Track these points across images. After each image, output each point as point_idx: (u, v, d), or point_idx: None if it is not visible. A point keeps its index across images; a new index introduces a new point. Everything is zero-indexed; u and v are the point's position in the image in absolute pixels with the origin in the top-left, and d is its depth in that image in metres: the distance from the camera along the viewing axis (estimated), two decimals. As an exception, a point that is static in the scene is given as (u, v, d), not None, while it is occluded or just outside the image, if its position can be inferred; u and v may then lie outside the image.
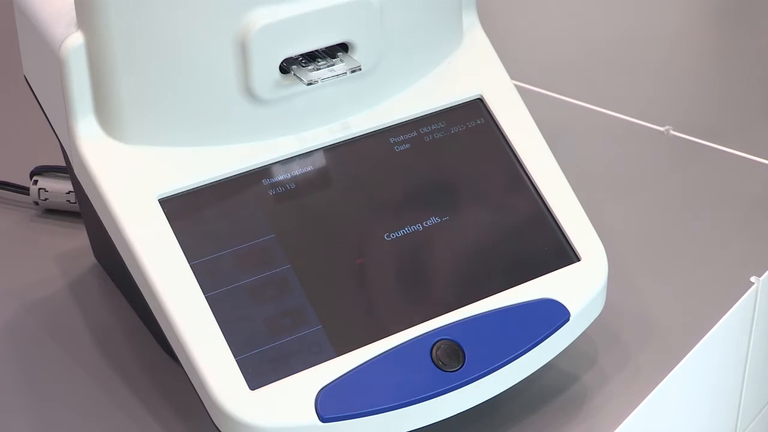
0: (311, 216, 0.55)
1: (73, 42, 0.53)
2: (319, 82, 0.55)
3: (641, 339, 0.62)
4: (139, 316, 0.63)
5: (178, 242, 0.53)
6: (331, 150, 0.57)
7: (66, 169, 0.68)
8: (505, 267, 0.56)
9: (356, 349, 0.53)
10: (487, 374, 0.53)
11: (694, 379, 0.63)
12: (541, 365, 0.55)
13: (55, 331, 0.63)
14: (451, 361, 0.53)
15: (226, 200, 0.55)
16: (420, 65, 0.60)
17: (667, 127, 0.81)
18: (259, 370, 0.51)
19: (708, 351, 0.63)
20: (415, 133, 0.59)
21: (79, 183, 0.56)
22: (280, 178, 0.56)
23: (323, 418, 0.51)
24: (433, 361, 0.53)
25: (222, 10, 0.53)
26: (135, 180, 0.54)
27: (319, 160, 0.57)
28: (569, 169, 0.60)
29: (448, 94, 0.60)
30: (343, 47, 0.56)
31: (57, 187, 0.72)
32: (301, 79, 0.55)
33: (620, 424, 0.57)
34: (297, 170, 0.56)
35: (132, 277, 0.54)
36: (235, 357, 0.51)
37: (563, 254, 0.57)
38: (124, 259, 0.54)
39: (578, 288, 0.57)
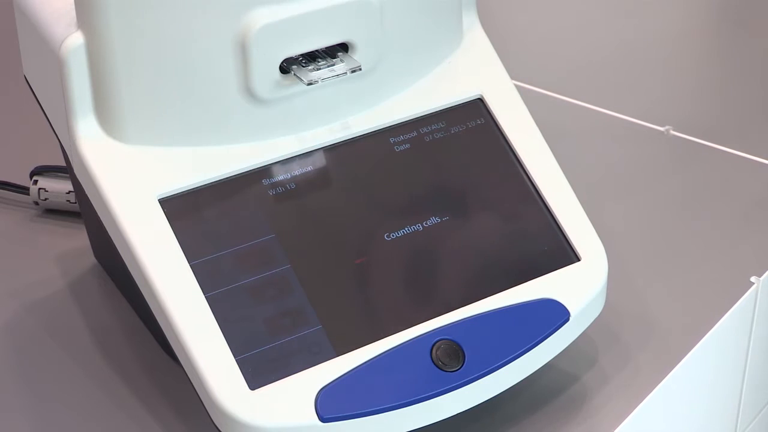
0: (311, 216, 0.55)
1: (73, 42, 0.53)
2: (319, 82, 0.55)
3: (641, 339, 0.62)
4: (139, 316, 0.63)
5: (178, 242, 0.53)
6: (331, 150, 0.57)
7: (66, 169, 0.68)
8: (505, 267, 0.56)
9: (356, 349, 0.53)
10: (487, 374, 0.53)
11: (694, 379, 0.63)
12: (541, 365, 0.55)
13: (55, 331, 0.63)
14: (451, 361, 0.53)
15: (226, 200, 0.55)
16: (420, 65, 0.60)
17: (667, 127, 0.81)
18: (259, 370, 0.51)
19: (708, 351, 0.63)
20: (415, 133, 0.59)
21: (79, 183, 0.56)
22: (280, 178, 0.56)
23: (323, 418, 0.51)
24: (433, 361, 0.53)
25: (222, 10, 0.53)
26: (135, 180, 0.54)
27: (319, 160, 0.57)
28: (569, 169, 0.60)
29: (448, 94, 0.60)
30: (343, 47, 0.56)
31: (57, 187, 0.72)
32: (301, 79, 0.55)
33: (620, 424, 0.57)
34: (297, 170, 0.56)
35: (132, 277, 0.54)
36: (235, 357, 0.51)
37: (563, 254, 0.57)
38: (124, 259, 0.54)
39: (578, 288, 0.57)
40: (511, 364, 0.54)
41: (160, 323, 0.53)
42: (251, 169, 0.56)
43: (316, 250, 0.55)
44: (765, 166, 0.76)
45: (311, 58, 0.56)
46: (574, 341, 0.57)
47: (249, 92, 0.55)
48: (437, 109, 0.59)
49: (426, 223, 0.56)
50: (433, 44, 0.60)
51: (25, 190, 0.73)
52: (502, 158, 0.59)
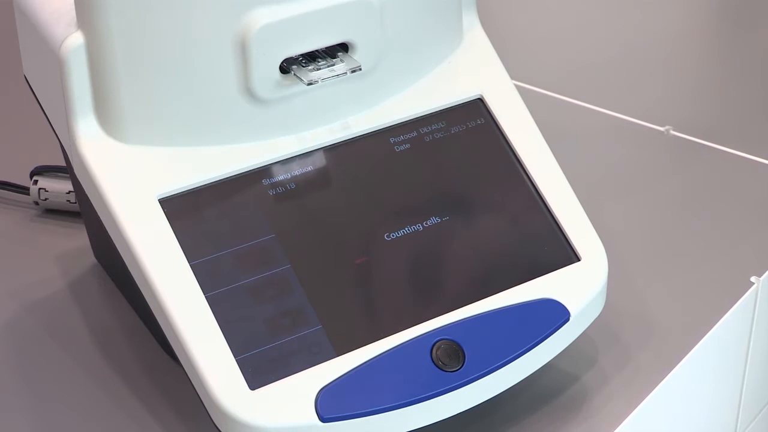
0: (311, 216, 0.55)
1: (73, 42, 0.53)
2: (319, 82, 0.55)
3: (641, 339, 0.62)
4: (139, 316, 0.63)
5: (178, 242, 0.53)
6: (331, 150, 0.57)
7: (66, 169, 0.68)
8: (505, 267, 0.56)
9: (356, 349, 0.53)
10: (487, 374, 0.53)
11: (694, 379, 0.63)
12: (541, 365, 0.55)
13: (55, 331, 0.63)
14: (451, 361, 0.53)
15: (226, 200, 0.55)
16: (420, 65, 0.60)
17: (667, 127, 0.81)
18: (259, 370, 0.51)
19: (708, 351, 0.63)
20: (415, 133, 0.59)
21: (79, 183, 0.56)
22: (280, 178, 0.56)
23: (323, 418, 0.51)
24: (433, 361, 0.53)
25: (222, 10, 0.53)
26: (135, 180, 0.54)
27: (319, 160, 0.57)
28: (569, 169, 0.60)
29: (448, 94, 0.60)
30: (343, 47, 0.56)
31: (57, 187, 0.72)
32: (301, 79, 0.55)
33: (620, 424, 0.57)
34: (297, 170, 0.56)
35: (132, 277, 0.54)
36: (235, 357, 0.51)
37: (563, 254, 0.57)
38: (124, 259, 0.54)
39: (578, 288, 0.57)
40: (511, 364, 0.54)
41: (160, 323, 0.53)
42: (251, 169, 0.56)
43: (316, 250, 0.55)
44: (765, 166, 0.76)
45: (311, 58, 0.56)
46: (574, 341, 0.57)
47: (249, 92, 0.55)
48: (437, 109, 0.59)
49: (426, 223, 0.56)
50: (433, 44, 0.60)
51: (25, 190, 0.73)
52: (502, 158, 0.59)
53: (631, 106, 0.83)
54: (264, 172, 0.56)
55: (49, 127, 0.59)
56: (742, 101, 0.85)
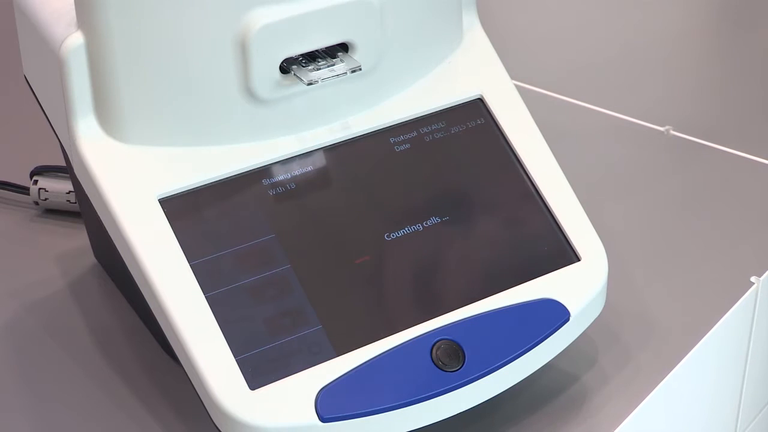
0: (311, 216, 0.55)
1: (73, 42, 0.53)
2: (320, 82, 0.55)
3: (641, 339, 0.62)
4: (139, 316, 0.63)
5: (178, 242, 0.53)
6: (331, 150, 0.57)
7: (66, 169, 0.68)
8: (505, 267, 0.56)
9: (356, 349, 0.53)
10: (487, 374, 0.53)
11: (694, 379, 0.63)
12: (541, 365, 0.55)
13: (55, 331, 0.63)
14: (451, 361, 0.53)
15: (226, 200, 0.55)
16: (420, 65, 0.60)
17: (667, 127, 0.81)
18: (259, 370, 0.51)
19: (708, 351, 0.63)
20: (415, 133, 0.59)
21: (79, 183, 0.56)
22: (280, 178, 0.56)
23: (323, 418, 0.51)
24: (433, 361, 0.53)
25: (222, 10, 0.53)
26: (135, 180, 0.54)
27: (319, 160, 0.57)
28: (569, 169, 0.60)
29: (448, 94, 0.60)
30: (343, 47, 0.56)
31: (57, 187, 0.72)
32: (302, 79, 0.55)
33: (620, 424, 0.57)
34: (297, 170, 0.56)
35: (132, 277, 0.54)
36: (235, 357, 0.51)
37: (563, 254, 0.57)
38: (124, 259, 0.54)
39: (578, 288, 0.57)
40: (511, 364, 0.54)
41: (160, 323, 0.53)
42: (251, 169, 0.56)
43: (316, 250, 0.55)
44: (765, 166, 0.76)
45: (311, 58, 0.56)
46: (574, 341, 0.57)
47: (249, 92, 0.55)
48: (437, 109, 0.59)
49: (426, 223, 0.56)
50: (433, 44, 0.60)
51: (25, 190, 0.73)
52: (502, 158, 0.59)
53: (631, 106, 0.83)
54: (264, 172, 0.56)
55: (49, 127, 0.59)
56: (742, 101, 0.85)
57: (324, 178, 0.57)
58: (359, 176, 0.57)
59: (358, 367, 0.52)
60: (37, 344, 0.63)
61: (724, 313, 0.64)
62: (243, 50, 0.54)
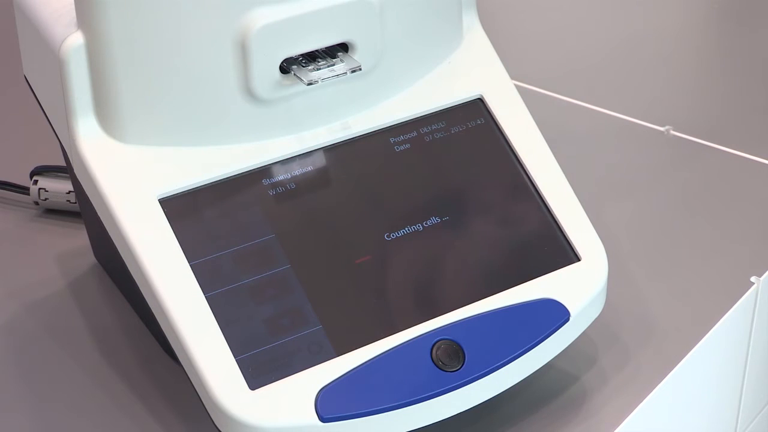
0: (311, 216, 0.55)
1: (73, 42, 0.53)
2: (319, 82, 0.55)
3: (641, 339, 0.62)
4: (139, 316, 0.63)
5: (178, 242, 0.53)
6: (331, 150, 0.57)
7: (66, 169, 0.68)
8: (505, 267, 0.56)
9: (356, 349, 0.53)
10: (487, 374, 0.53)
11: (694, 379, 0.63)
12: (541, 365, 0.55)
13: (55, 331, 0.63)
14: (451, 361, 0.53)
15: (226, 200, 0.55)
16: (420, 65, 0.60)
17: (667, 127, 0.81)
18: (259, 370, 0.51)
19: (708, 351, 0.63)
20: (415, 133, 0.59)
21: (79, 183, 0.56)
22: (280, 178, 0.56)
23: (323, 418, 0.51)
24: (433, 361, 0.53)
25: (222, 11, 0.53)
26: (135, 180, 0.54)
27: (319, 160, 0.57)
28: (569, 169, 0.60)
29: (448, 94, 0.60)
30: (343, 47, 0.56)
31: (57, 187, 0.72)
32: (301, 79, 0.55)
33: (620, 424, 0.57)
34: (297, 170, 0.56)
35: (132, 277, 0.54)
36: (235, 357, 0.51)
37: (563, 254, 0.57)
38: (124, 259, 0.54)
39: (578, 288, 0.57)
40: (511, 364, 0.54)
41: (160, 323, 0.53)
42: (251, 169, 0.56)
43: (316, 250, 0.55)
44: (765, 166, 0.76)
45: (311, 58, 0.56)
46: (574, 341, 0.57)
47: (249, 92, 0.55)
48: (437, 109, 0.59)
49: (426, 223, 0.56)
50: (433, 44, 0.60)
51: (25, 190, 0.73)
52: (502, 158, 0.59)
53: (631, 106, 0.83)
54: (264, 172, 0.56)
55: (49, 127, 0.59)
56: (742, 101, 0.85)
57: (324, 178, 0.57)
58: (359, 176, 0.57)
59: (358, 367, 0.52)
60: (37, 344, 0.63)
61: (724, 313, 0.64)
62: (243, 50, 0.54)
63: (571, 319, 0.56)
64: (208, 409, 0.52)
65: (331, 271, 0.54)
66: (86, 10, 0.53)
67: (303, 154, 0.57)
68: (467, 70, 0.61)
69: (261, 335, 0.52)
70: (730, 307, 0.64)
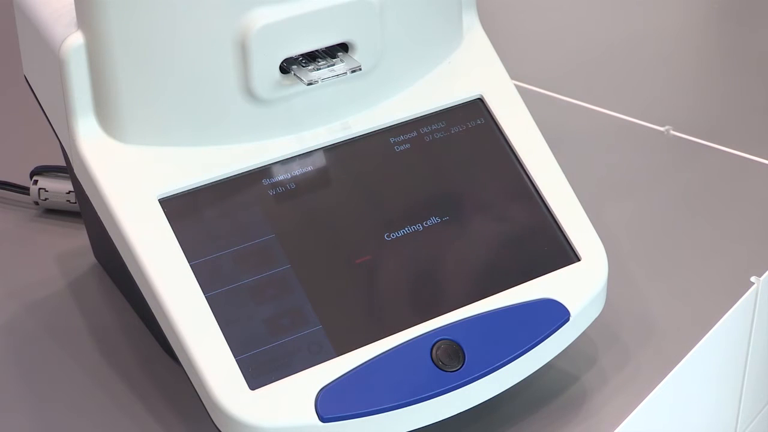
0: (311, 216, 0.55)
1: (73, 42, 0.53)
2: (319, 82, 0.55)
3: (641, 339, 0.62)
4: (139, 316, 0.63)
5: (178, 242, 0.53)
6: (331, 150, 0.57)
7: (66, 169, 0.68)
8: (505, 267, 0.56)
9: (356, 349, 0.53)
10: (487, 374, 0.53)
11: (694, 379, 0.63)
12: (541, 365, 0.55)
13: (55, 331, 0.63)
14: (451, 361, 0.53)
15: (226, 200, 0.55)
16: (420, 65, 0.60)
17: (667, 127, 0.81)
18: (259, 370, 0.51)
19: (708, 351, 0.63)
20: (415, 133, 0.59)
21: (79, 183, 0.56)
22: (280, 178, 0.56)
23: (323, 418, 0.51)
24: (433, 361, 0.53)
25: (222, 11, 0.53)
26: (135, 180, 0.54)
27: (319, 160, 0.57)
28: (569, 169, 0.60)
29: (448, 94, 0.60)
30: (343, 47, 0.56)
31: (57, 187, 0.72)
32: (301, 79, 0.55)
33: (620, 424, 0.57)
34: (297, 170, 0.56)
35: (132, 277, 0.54)
36: (235, 357, 0.51)
37: (563, 254, 0.57)
38: (124, 259, 0.54)
39: (578, 288, 0.57)
40: (511, 364, 0.54)
41: (160, 323, 0.53)
42: (251, 169, 0.56)
43: (316, 250, 0.55)
44: (765, 166, 0.76)
45: (311, 58, 0.56)
46: (574, 341, 0.57)
47: (249, 92, 0.55)
48: (437, 109, 0.59)
49: (426, 223, 0.56)
50: (433, 44, 0.60)
51: (25, 190, 0.73)
52: (502, 158, 0.59)
53: (631, 106, 0.83)
54: (264, 172, 0.56)
55: (49, 127, 0.59)
56: (742, 101, 0.85)
57: (324, 178, 0.57)
58: (359, 176, 0.57)
59: (358, 367, 0.52)
60: (37, 344, 0.63)
61: (724, 313, 0.64)
62: (243, 50, 0.54)
63: (571, 319, 0.56)
64: (208, 409, 0.52)
65: (331, 271, 0.54)
66: (86, 10, 0.53)
67: (303, 154, 0.57)
68: (467, 70, 0.61)
69: (261, 335, 0.52)
70: (730, 307, 0.64)
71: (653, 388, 0.59)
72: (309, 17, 0.54)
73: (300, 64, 0.55)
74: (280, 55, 0.55)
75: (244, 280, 0.53)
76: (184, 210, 0.54)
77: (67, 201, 0.72)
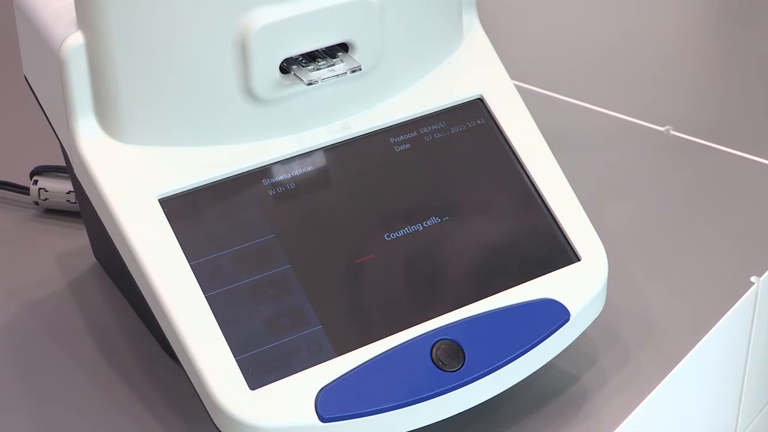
0: (311, 216, 0.55)
1: (73, 42, 0.53)
2: (319, 82, 0.55)
3: (641, 339, 0.62)
4: (139, 316, 0.63)
5: (178, 242, 0.53)
6: (331, 150, 0.57)
7: (66, 169, 0.68)
8: (505, 267, 0.56)
9: (356, 349, 0.53)
10: (487, 374, 0.53)
11: (694, 379, 0.63)
12: (541, 365, 0.55)
13: (55, 331, 0.63)
14: (451, 361, 0.53)
15: (226, 200, 0.55)
16: (420, 65, 0.60)
17: (667, 127, 0.81)
18: (259, 370, 0.51)
19: (708, 351, 0.63)
20: (415, 133, 0.59)
21: (79, 183, 0.56)
22: (280, 178, 0.56)
23: (323, 418, 0.51)
24: (433, 361, 0.53)
25: (222, 10, 0.53)
26: (135, 180, 0.54)
27: (319, 160, 0.57)
28: (569, 169, 0.60)
29: (448, 94, 0.60)
30: (343, 47, 0.56)
31: (57, 187, 0.72)
32: (301, 79, 0.55)
33: (620, 424, 0.57)
34: (297, 170, 0.56)
35: (132, 277, 0.54)
36: (235, 357, 0.51)
37: (563, 254, 0.57)
38: (124, 259, 0.54)
39: (578, 288, 0.57)
40: (511, 364, 0.54)
41: (160, 323, 0.53)
42: (251, 169, 0.56)
43: (316, 250, 0.55)
44: (765, 166, 0.76)
45: (311, 58, 0.56)
46: (574, 341, 0.57)
47: (249, 92, 0.55)
48: (437, 109, 0.59)
49: (426, 223, 0.56)
50: (433, 44, 0.60)
51: (25, 190, 0.73)
52: (502, 158, 0.59)
53: (631, 106, 0.83)
54: (264, 172, 0.56)
55: (49, 127, 0.59)
56: (742, 101, 0.85)
57: (324, 178, 0.57)
58: (359, 176, 0.57)
59: (358, 367, 0.52)
60: (37, 344, 0.63)
61: (724, 313, 0.64)
62: (243, 50, 0.54)
63: (571, 319, 0.56)
64: (208, 409, 0.52)
65: (331, 271, 0.54)
66: (86, 10, 0.53)
67: (303, 154, 0.57)
68: (467, 70, 0.61)
69: (261, 335, 0.52)
70: (730, 307, 0.64)
71: (653, 388, 0.59)
72: (309, 17, 0.54)
73: (300, 64, 0.55)
74: (280, 55, 0.55)
75: (244, 280, 0.53)
76: (184, 210, 0.54)
77: (67, 201, 0.72)
